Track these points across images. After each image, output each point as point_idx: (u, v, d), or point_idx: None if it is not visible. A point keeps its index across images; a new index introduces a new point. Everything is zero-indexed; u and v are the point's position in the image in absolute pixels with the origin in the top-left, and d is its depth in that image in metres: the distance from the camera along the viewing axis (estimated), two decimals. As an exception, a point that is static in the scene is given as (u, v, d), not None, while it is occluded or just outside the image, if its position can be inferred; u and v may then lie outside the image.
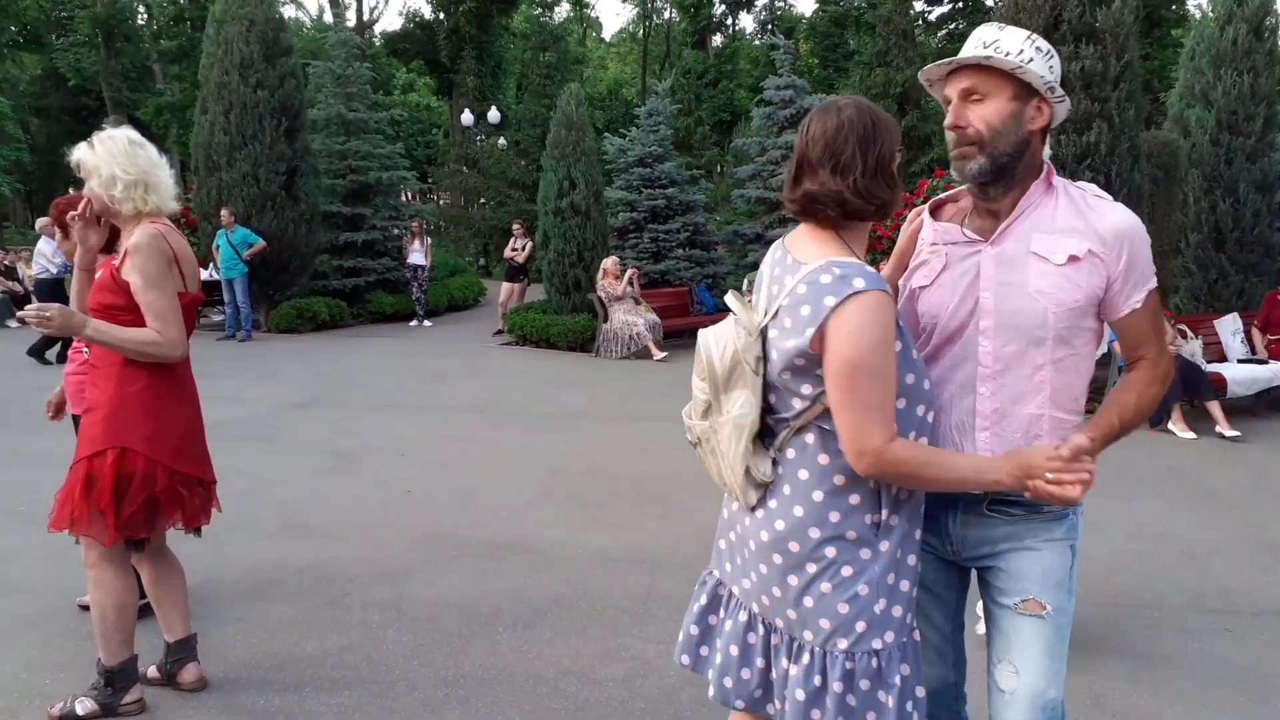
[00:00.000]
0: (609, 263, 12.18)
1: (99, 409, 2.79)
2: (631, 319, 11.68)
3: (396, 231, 16.35)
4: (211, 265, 13.23)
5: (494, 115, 27.97)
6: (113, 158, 2.77)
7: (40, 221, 11.22)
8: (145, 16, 33.05)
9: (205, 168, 13.49)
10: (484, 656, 3.40)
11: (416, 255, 14.98)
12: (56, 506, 2.79)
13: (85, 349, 3.57)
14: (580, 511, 5.22)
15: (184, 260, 2.86)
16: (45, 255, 11.01)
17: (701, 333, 1.83)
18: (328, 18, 38.18)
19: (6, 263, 15.65)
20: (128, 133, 2.86)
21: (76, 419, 3.71)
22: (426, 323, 15.23)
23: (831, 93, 17.73)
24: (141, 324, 2.75)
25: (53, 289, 11.05)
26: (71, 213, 3.25)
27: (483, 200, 28.78)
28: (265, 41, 13.34)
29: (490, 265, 26.29)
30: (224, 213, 12.71)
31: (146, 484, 2.75)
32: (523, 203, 24.78)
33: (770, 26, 43.36)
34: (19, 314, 2.66)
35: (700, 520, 5.01)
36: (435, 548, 4.58)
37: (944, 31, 30.52)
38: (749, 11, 41.79)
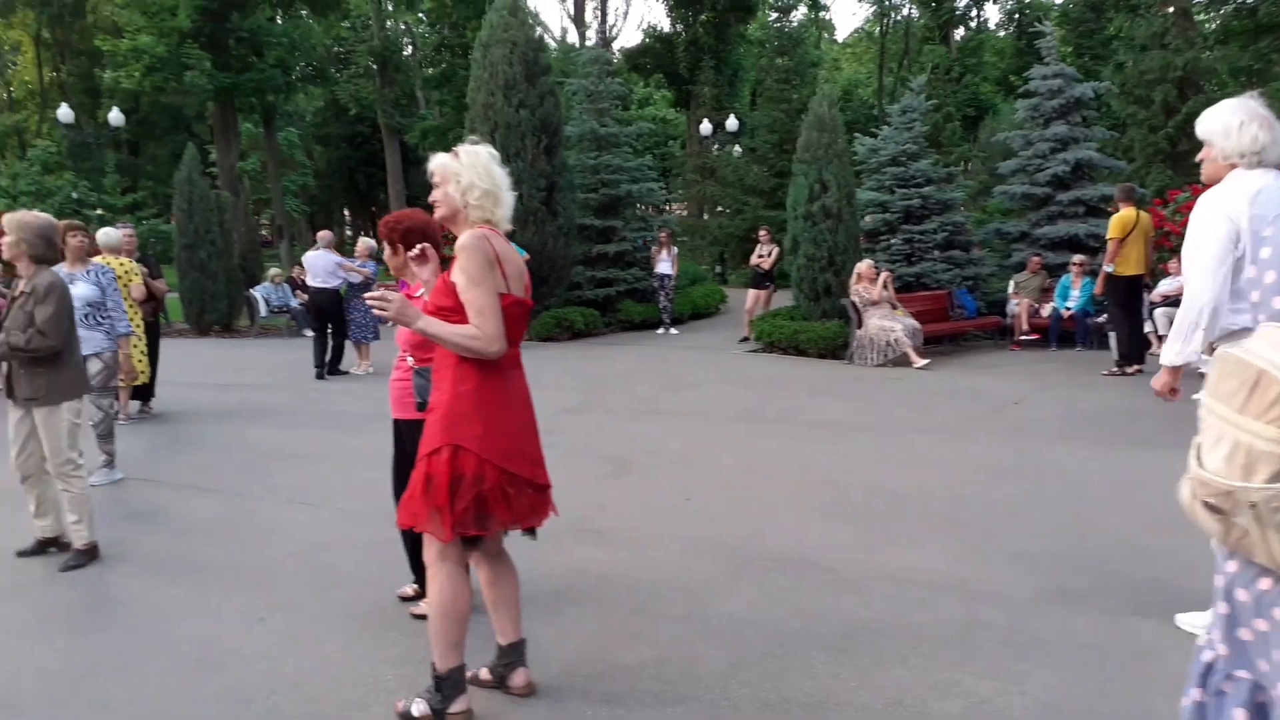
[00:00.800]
0: (863, 266, 11.77)
1: (437, 408, 2.90)
2: (889, 324, 11.21)
3: (643, 242, 16.68)
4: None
5: (732, 123, 28.06)
6: (474, 168, 2.89)
7: (323, 235, 12.05)
8: (411, 47, 35.91)
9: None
10: (801, 680, 3.25)
11: (664, 264, 15.19)
12: (402, 504, 2.93)
13: (409, 356, 3.78)
14: (868, 529, 4.98)
15: (507, 263, 2.91)
16: (324, 270, 11.58)
17: (1250, 349, 1.45)
18: (570, 38, 39.95)
19: (303, 278, 17.38)
20: (488, 148, 3.01)
21: (397, 423, 3.94)
22: (673, 330, 15.42)
23: (1092, 80, 16.26)
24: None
25: (332, 300, 11.74)
26: (414, 250, 3.44)
27: (720, 208, 28.95)
28: (526, 62, 14.01)
29: (726, 273, 26.35)
30: (491, 227, 13.42)
31: (476, 481, 2.80)
32: (760, 209, 24.66)
33: (1020, 16, 40.87)
34: (365, 298, 2.83)
35: (1009, 546, 4.63)
36: (725, 560, 4.50)
37: (1229, 6, 27.41)
38: (994, 2, 39.58)
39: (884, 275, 11.72)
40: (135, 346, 8.21)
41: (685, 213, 32.09)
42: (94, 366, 5.77)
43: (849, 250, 12.56)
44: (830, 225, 12.40)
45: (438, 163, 2.99)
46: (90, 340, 5.69)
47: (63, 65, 44.95)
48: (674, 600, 4.00)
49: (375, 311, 2.77)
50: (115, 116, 24.44)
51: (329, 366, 11.10)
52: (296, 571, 4.48)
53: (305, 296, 16.48)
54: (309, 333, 13.43)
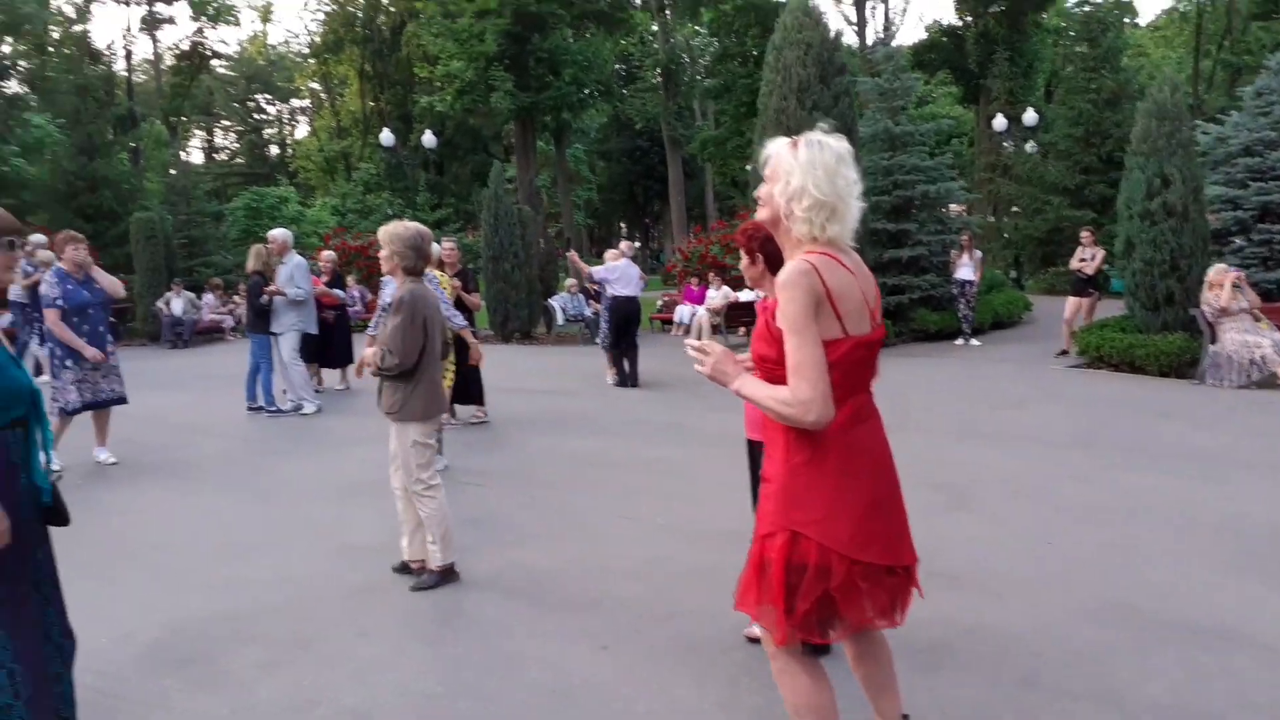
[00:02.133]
0: (1213, 273, 10.21)
1: (771, 482, 2.43)
2: (1253, 339, 9.63)
3: (941, 246, 15.65)
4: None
5: (1030, 117, 25.98)
6: (812, 168, 2.29)
7: (626, 245, 12.24)
8: (689, 60, 36.52)
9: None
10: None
11: (965, 270, 14.13)
12: (740, 583, 2.47)
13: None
14: (1297, 593, 4.07)
15: (842, 298, 2.29)
16: (635, 279, 11.71)
17: None
18: (846, 39, 38.94)
19: (595, 288, 17.94)
20: (841, 145, 2.36)
21: (752, 444, 3.62)
22: (974, 341, 14.30)
23: None
24: None
25: (638, 309, 11.89)
26: (755, 239, 3.11)
27: (1014, 208, 26.91)
28: (821, 63, 13.53)
29: (1022, 278, 24.40)
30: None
31: (820, 577, 2.27)
32: (1064, 208, 22.60)
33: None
34: (687, 344, 2.41)
35: None
36: (1121, 623, 3.80)
37: None
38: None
39: (1232, 275, 10.05)
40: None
41: (968, 213, 30.19)
42: None
43: (1196, 253, 10.99)
44: (1173, 225, 10.89)
45: (772, 152, 2.41)
46: None
47: (381, 95, 49.97)
48: (1070, 672, 3.39)
49: (695, 367, 2.38)
50: (428, 139, 26.65)
51: (631, 377, 11.20)
52: (631, 594, 4.31)
53: (598, 306, 17.00)
54: (599, 341, 13.74)
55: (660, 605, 4.15)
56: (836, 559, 2.27)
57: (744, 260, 3.49)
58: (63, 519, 2.82)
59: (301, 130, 67.39)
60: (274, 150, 65.77)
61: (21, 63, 28.71)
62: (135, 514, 5.97)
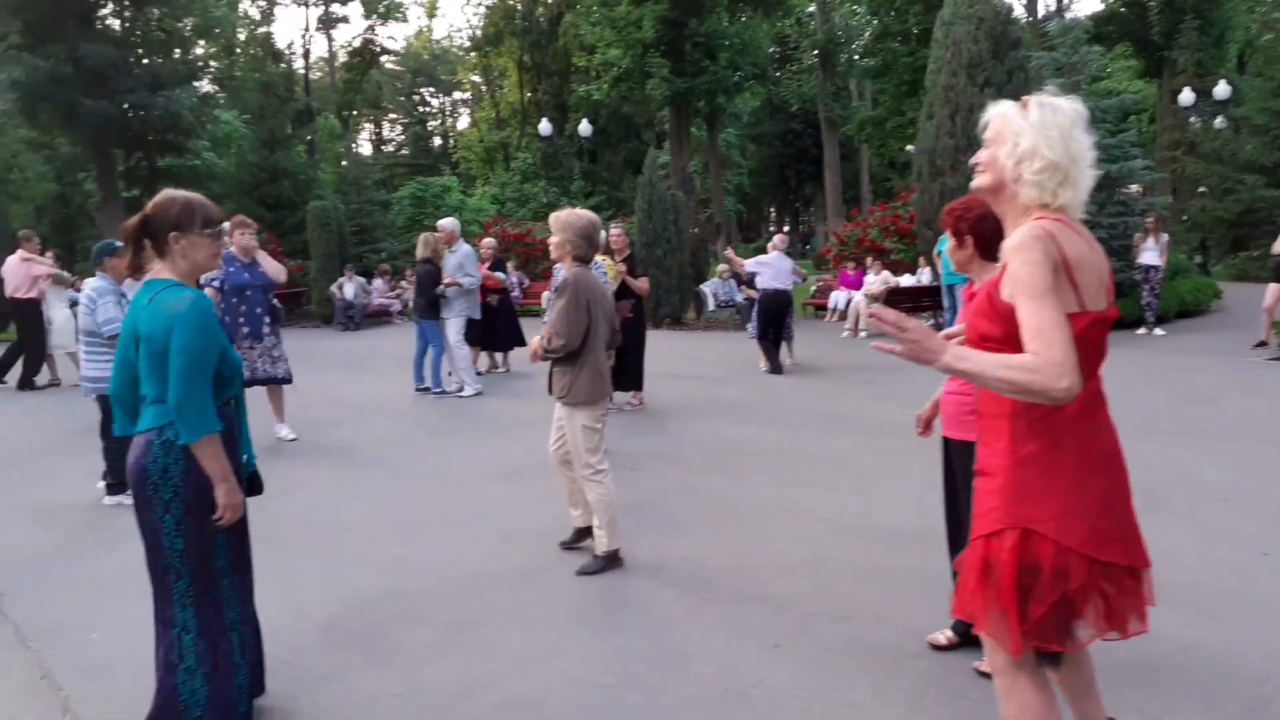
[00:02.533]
0: None
1: (992, 475, 2.19)
2: None
3: (1123, 228, 14.60)
4: (931, 270, 13.20)
5: (1223, 90, 23.94)
6: (1043, 129, 2.11)
7: (780, 238, 11.97)
8: (845, 38, 35.54)
9: (929, 173, 13.50)
10: None
11: (1149, 254, 13.14)
12: (957, 591, 2.27)
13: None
14: None
15: (1081, 268, 2.08)
16: (786, 272, 11.39)
17: None
18: (1017, 11, 36.97)
19: (745, 272, 17.71)
20: (1076, 107, 2.17)
21: (948, 441, 3.39)
22: (1158, 330, 13.30)
23: None
24: None
25: (788, 303, 11.55)
26: (965, 220, 2.90)
27: (1202, 189, 24.87)
28: (994, 37, 12.85)
29: (1209, 263, 22.54)
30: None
31: (1058, 579, 2.06)
32: (1259, 188, 20.72)
33: None
34: (872, 311, 2.13)
35: None
36: (1359, 649, 3.38)
37: None
38: None
39: None
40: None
41: (1146, 194, 28.12)
42: None
43: None
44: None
45: (995, 114, 2.23)
46: None
47: (539, 86, 51.08)
48: (1303, 701, 3.03)
49: (884, 347, 2.07)
50: (584, 128, 27.03)
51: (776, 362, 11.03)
52: (798, 590, 4.17)
53: (752, 294, 16.79)
54: (749, 333, 13.55)
55: (829, 604, 3.98)
56: (1076, 559, 2.06)
57: (950, 243, 3.28)
58: (259, 487, 2.99)
59: (462, 122, 69.91)
60: (436, 141, 68.43)
61: (212, 63, 30.82)
62: (311, 490, 6.26)
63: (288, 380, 7.66)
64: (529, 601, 4.16)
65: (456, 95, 69.87)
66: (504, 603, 4.15)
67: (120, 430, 2.91)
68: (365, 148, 59.31)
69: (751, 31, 27.62)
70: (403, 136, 70.29)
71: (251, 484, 2.99)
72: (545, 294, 6.66)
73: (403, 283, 21.62)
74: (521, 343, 11.19)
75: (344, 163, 32.41)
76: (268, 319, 7.52)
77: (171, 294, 2.73)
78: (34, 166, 31.13)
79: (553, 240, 4.33)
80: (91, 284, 5.93)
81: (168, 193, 2.87)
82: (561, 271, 4.71)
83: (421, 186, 38.52)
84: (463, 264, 9.46)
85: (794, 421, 8.13)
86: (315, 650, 3.72)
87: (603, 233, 8.82)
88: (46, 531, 5.50)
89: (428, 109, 69.70)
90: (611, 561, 4.45)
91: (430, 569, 4.62)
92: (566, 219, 4.30)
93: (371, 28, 46.43)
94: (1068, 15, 32.16)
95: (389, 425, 8.59)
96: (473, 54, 58.17)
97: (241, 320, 7.29)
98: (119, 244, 5.99)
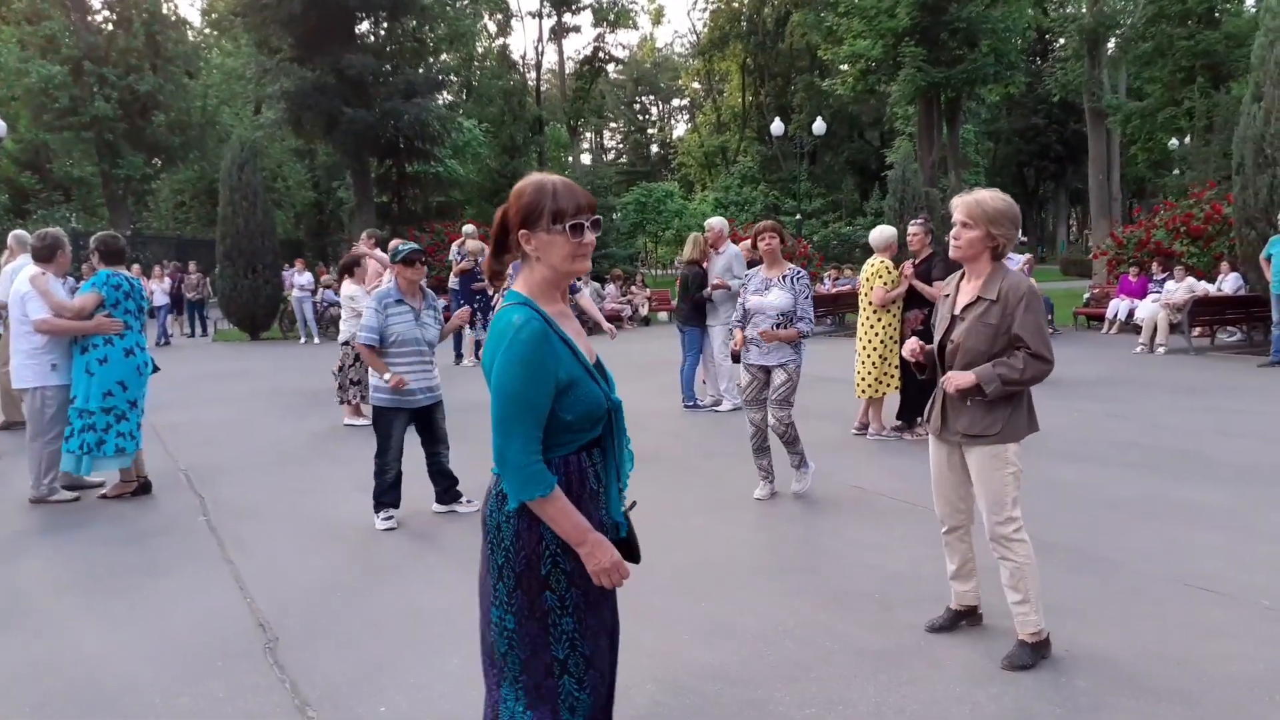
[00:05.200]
0: None
1: None
2: None
3: None
4: (1238, 277, 11.21)
5: None
6: None
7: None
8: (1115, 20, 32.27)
9: (1254, 163, 11.49)
10: None
11: None
12: None
13: None
14: None
15: None
16: None
17: None
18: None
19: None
20: None
21: None
22: None
23: None
24: None
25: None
26: None
27: None
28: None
29: None
30: (1289, 216, 10.55)
31: None
32: None
33: None
34: None
35: None
36: None
37: None
38: None
39: None
40: (866, 354, 7.55)
41: None
42: (779, 377, 5.62)
43: None
44: None
45: None
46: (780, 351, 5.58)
47: (761, 88, 50.28)
48: None
49: None
50: (818, 126, 25.85)
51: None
52: (1237, 700, 3.01)
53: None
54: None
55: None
56: None
57: None
58: (635, 555, 2.22)
59: (680, 129, 70.22)
60: (653, 149, 69.08)
61: (452, 76, 32.08)
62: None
63: None
64: (901, 692, 3.21)
65: (675, 102, 70.27)
66: (872, 694, 3.22)
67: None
68: (584, 157, 60.63)
69: (1016, 16, 25.43)
70: (620, 145, 71.48)
71: (625, 549, 2.21)
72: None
73: (632, 288, 21.41)
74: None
75: (566, 171, 32.87)
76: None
77: (501, 315, 2.06)
78: (296, 175, 33.62)
79: (968, 234, 3.30)
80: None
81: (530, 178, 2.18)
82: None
83: (645, 192, 38.67)
84: (731, 265, 8.68)
85: (1128, 459, 6.75)
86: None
87: (889, 230, 7.86)
88: (357, 558, 5.12)
89: (647, 117, 70.54)
90: (1039, 650, 3.40)
91: (773, 638, 3.72)
92: (992, 204, 3.25)
93: (601, 35, 47.19)
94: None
95: (658, 442, 7.67)
96: (694, 61, 58.20)
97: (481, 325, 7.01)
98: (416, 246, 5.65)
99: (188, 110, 28.27)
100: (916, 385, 7.01)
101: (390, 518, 5.42)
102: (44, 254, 6.09)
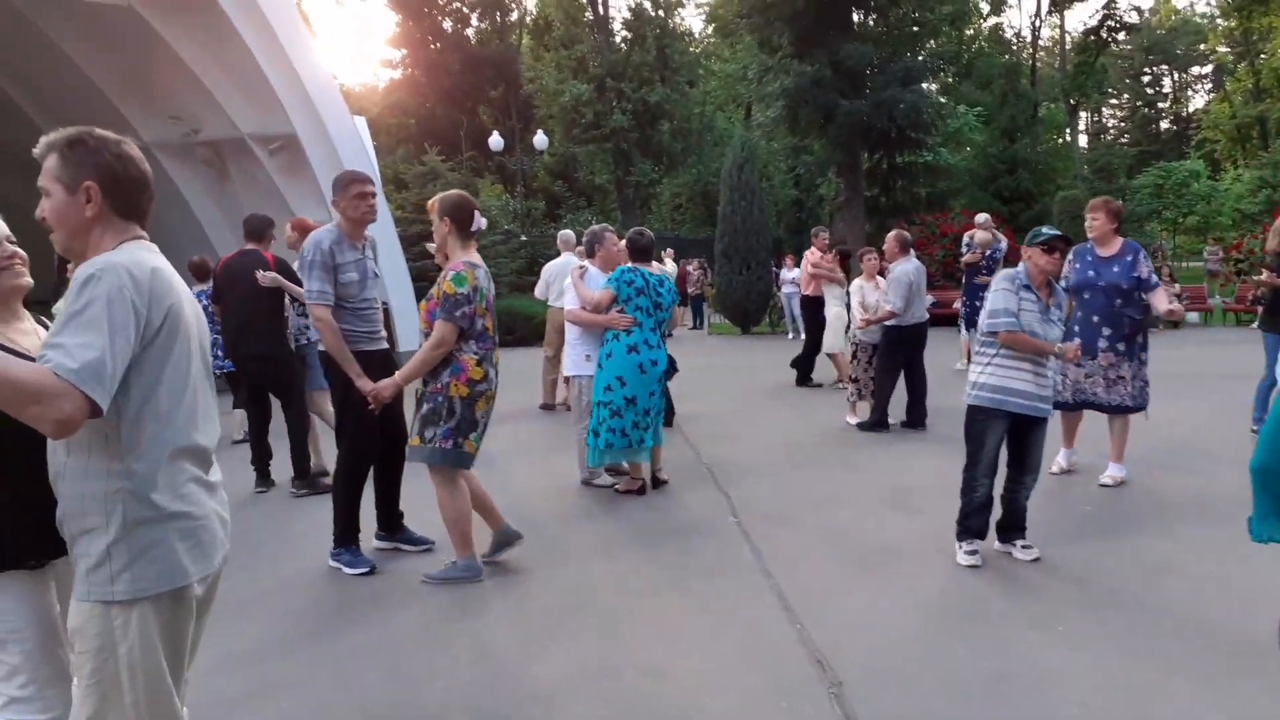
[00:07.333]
0: None
1: None
2: None
3: None
4: None
5: None
6: None
7: None
8: None
9: None
10: None
11: None
12: None
13: None
14: None
15: None
16: None
17: None
18: None
19: None
20: None
21: None
22: None
23: None
24: None
25: None
26: None
27: None
28: None
29: None
30: None
31: None
32: None
33: None
34: None
35: None
36: None
37: None
38: None
39: None
40: None
41: None
42: None
43: None
44: None
45: None
46: None
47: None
48: None
49: None
50: None
51: None
52: None
53: None
54: None
55: None
56: None
57: None
58: None
59: (1197, 100, 60.42)
60: (1163, 124, 60.22)
61: (941, 60, 30.40)
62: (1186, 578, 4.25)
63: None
64: None
65: (1194, 70, 60.43)
66: None
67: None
68: (1080, 138, 54.51)
69: None
70: (1123, 122, 63.28)
71: None
72: None
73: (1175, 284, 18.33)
74: None
75: (1073, 151, 29.44)
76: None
77: None
78: (780, 174, 34.37)
79: None
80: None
81: None
82: None
83: (1163, 174, 33.51)
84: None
85: None
86: None
87: None
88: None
89: (1159, 89, 61.62)
90: None
91: None
92: None
93: (1112, 2, 41.87)
94: None
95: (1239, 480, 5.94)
96: (1227, 18, 49.38)
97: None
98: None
99: (688, 117, 30.12)
100: None
101: (974, 551, 4.55)
102: (587, 250, 6.61)
